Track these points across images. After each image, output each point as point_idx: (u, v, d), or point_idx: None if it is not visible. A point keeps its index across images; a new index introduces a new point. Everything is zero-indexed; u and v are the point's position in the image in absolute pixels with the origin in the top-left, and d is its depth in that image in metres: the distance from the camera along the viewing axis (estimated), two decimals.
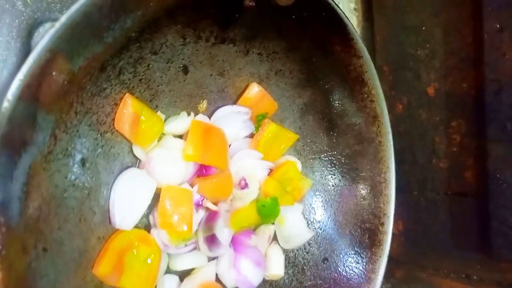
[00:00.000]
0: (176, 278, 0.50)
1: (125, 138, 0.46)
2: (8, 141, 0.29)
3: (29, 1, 0.45)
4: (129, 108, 0.44)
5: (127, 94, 0.44)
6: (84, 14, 0.32)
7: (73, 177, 0.40)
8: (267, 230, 0.57)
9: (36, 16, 0.45)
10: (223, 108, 0.54)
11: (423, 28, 0.68)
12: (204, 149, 0.49)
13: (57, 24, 0.30)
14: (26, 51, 0.44)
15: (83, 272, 0.42)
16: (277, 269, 0.56)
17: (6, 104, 0.28)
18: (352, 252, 0.59)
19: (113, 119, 0.44)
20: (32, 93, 0.30)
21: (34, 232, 0.36)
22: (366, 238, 0.58)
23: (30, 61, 0.29)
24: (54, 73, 0.31)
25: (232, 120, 0.54)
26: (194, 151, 0.48)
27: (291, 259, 0.60)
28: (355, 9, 0.81)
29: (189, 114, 0.52)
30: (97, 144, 0.43)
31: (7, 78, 0.43)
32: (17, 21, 0.43)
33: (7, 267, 0.31)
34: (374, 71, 0.54)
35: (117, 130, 0.45)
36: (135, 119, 0.45)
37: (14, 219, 0.32)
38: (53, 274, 0.38)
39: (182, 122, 0.50)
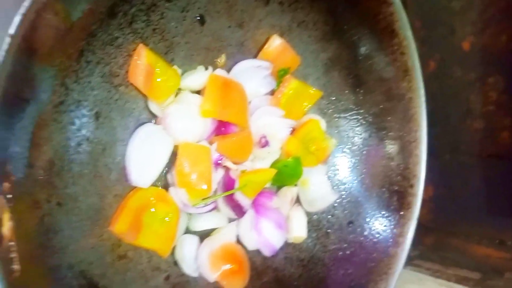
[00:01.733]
0: (196, 238, 0.48)
1: (140, 92, 0.44)
2: (7, 92, 0.27)
3: None
4: (143, 59, 0.41)
5: (140, 45, 0.42)
6: None
7: (86, 131, 0.39)
8: (289, 192, 0.55)
9: None
10: (242, 62, 0.51)
11: None
12: (222, 104, 0.46)
13: None
14: None
15: (100, 231, 0.41)
16: (300, 230, 0.55)
17: (7, 40, 0.26)
18: (379, 215, 0.56)
19: (127, 72, 0.42)
20: (35, 33, 0.28)
21: (46, 186, 0.34)
22: (394, 201, 0.55)
23: (22, 12, 0.27)
24: (49, 17, 0.29)
25: (252, 75, 0.51)
26: (212, 107, 0.46)
27: (315, 222, 0.57)
28: None
29: (206, 68, 0.49)
30: (111, 97, 0.41)
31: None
32: None
33: (18, 219, 0.29)
34: (405, 20, 0.50)
35: (131, 83, 0.43)
36: (150, 72, 0.42)
37: (24, 170, 0.31)
38: (68, 231, 0.37)
39: (199, 76, 0.48)
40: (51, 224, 0.34)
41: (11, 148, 0.29)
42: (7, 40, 0.26)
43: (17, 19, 0.26)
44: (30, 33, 0.28)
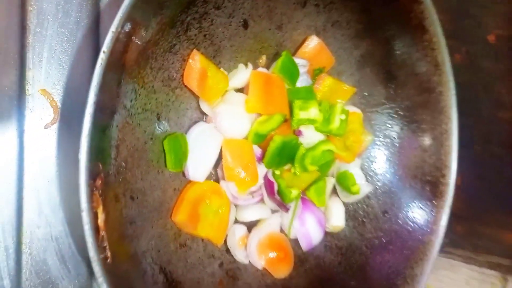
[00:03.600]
0: (244, 228, 0.52)
1: (193, 94, 0.48)
2: (104, 94, 0.31)
3: None
4: (197, 63, 0.45)
5: (194, 50, 0.45)
6: None
7: (150, 130, 0.42)
8: (327, 184, 0.58)
9: None
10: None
11: None
12: (266, 99, 0.49)
13: None
14: (96, 12, 0.46)
15: (164, 221, 0.44)
16: (338, 220, 0.58)
17: (102, 55, 0.30)
18: (413, 205, 0.58)
19: (182, 76, 0.46)
20: (121, 48, 0.31)
21: (122, 182, 0.38)
22: (427, 190, 0.58)
23: (112, 30, 0.30)
24: (133, 38, 0.32)
25: None
26: (257, 102, 0.49)
27: (351, 212, 0.60)
28: None
29: (247, 66, 0.52)
30: (169, 99, 0.45)
31: (81, 40, 0.45)
32: None
33: (107, 212, 0.33)
34: (435, 17, 0.52)
35: (185, 86, 0.46)
36: (203, 75, 0.46)
37: (109, 168, 0.34)
38: (140, 222, 0.40)
39: (242, 75, 0.51)
40: (127, 215, 0.38)
41: (103, 150, 0.33)
42: (101, 55, 0.29)
43: (108, 37, 0.30)
44: (119, 49, 0.31)
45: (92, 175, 0.31)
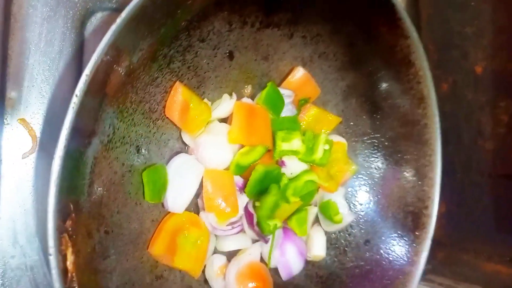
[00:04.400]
0: (224, 258, 0.52)
1: (175, 125, 0.47)
2: (76, 134, 0.31)
3: None
4: (179, 96, 0.45)
5: (177, 82, 0.45)
6: (141, 8, 0.32)
7: (129, 163, 0.42)
8: (310, 213, 0.58)
9: (88, 7, 0.46)
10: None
11: (471, 4, 0.65)
12: (249, 130, 0.49)
13: (118, 20, 0.31)
14: (80, 40, 0.46)
15: (140, 253, 0.44)
16: (319, 250, 0.58)
17: (74, 99, 0.29)
18: (395, 235, 0.59)
19: (164, 107, 0.46)
20: (97, 87, 0.31)
21: (96, 217, 0.38)
22: (409, 221, 0.58)
23: (95, 57, 0.30)
24: (116, 67, 0.32)
25: None
26: (239, 133, 0.49)
27: (333, 241, 0.60)
28: None
29: (231, 96, 0.52)
30: (150, 131, 0.45)
31: (64, 68, 0.45)
32: (71, 12, 0.45)
33: (77, 251, 0.33)
34: (422, 51, 0.53)
35: (167, 117, 0.46)
36: (185, 107, 0.46)
37: (82, 206, 0.34)
38: (115, 255, 0.40)
39: (225, 105, 0.51)
40: (101, 251, 0.38)
41: (76, 188, 0.33)
42: (83, 79, 0.29)
43: (91, 63, 0.30)
44: (101, 76, 0.31)
45: (62, 217, 0.31)
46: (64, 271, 0.30)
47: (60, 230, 0.30)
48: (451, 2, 0.67)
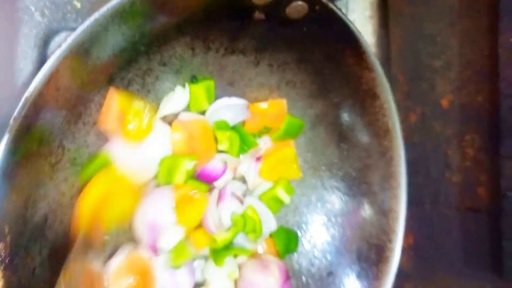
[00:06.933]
0: None
1: None
2: (13, 154, 0.30)
3: (46, 11, 0.46)
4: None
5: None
6: (91, 33, 0.32)
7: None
8: None
9: (52, 26, 0.46)
10: (219, 101, 0.53)
11: (439, 37, 0.67)
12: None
13: (63, 44, 0.31)
14: (42, 60, 0.45)
15: None
16: None
17: (11, 121, 0.29)
18: (358, 267, 0.58)
19: None
20: (38, 109, 0.31)
21: (38, 240, 0.36)
22: (373, 254, 0.57)
23: (39, 77, 0.30)
24: (60, 90, 0.32)
25: (228, 111, 0.53)
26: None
27: (296, 271, 0.59)
28: (370, 16, 0.79)
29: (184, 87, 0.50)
30: None
31: (21, 88, 0.44)
32: (34, 31, 0.45)
33: (9, 275, 0.31)
34: (387, 85, 0.53)
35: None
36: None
37: (21, 229, 0.33)
38: (56, 278, 0.39)
39: (177, 98, 0.49)
40: (42, 274, 0.36)
41: (10, 208, 0.31)
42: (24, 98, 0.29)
43: (38, 78, 0.29)
44: (46, 92, 0.31)
45: None
46: None
47: None
48: (420, 35, 0.68)
